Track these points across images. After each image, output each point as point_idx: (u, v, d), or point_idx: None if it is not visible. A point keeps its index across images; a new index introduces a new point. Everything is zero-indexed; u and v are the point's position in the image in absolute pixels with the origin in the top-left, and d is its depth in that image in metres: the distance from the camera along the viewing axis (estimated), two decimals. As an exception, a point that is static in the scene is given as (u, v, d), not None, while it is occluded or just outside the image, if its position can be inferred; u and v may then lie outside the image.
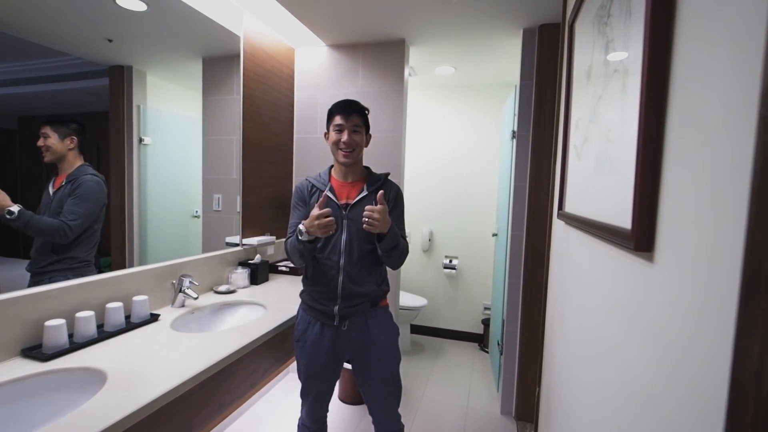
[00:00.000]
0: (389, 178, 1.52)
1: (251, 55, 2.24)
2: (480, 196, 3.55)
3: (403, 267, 2.16)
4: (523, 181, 2.34)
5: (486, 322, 3.44)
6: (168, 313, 1.56)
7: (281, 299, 1.85)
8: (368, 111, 1.45)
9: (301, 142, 2.73)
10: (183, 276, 1.63)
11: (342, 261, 1.37)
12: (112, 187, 1.52)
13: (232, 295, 1.87)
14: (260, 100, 2.35)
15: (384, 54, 2.51)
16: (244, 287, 2.01)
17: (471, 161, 3.56)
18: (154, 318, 1.48)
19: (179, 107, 1.89)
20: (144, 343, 1.28)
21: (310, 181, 1.46)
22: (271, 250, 2.40)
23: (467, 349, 3.46)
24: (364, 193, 1.41)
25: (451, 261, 3.59)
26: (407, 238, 1.51)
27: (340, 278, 1.37)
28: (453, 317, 3.65)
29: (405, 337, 3.26)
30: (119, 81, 1.54)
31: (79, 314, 1.23)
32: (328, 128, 1.43)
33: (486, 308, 3.54)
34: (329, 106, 1.44)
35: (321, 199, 1.30)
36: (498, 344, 2.66)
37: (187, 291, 1.61)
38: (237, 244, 2.16)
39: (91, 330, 1.25)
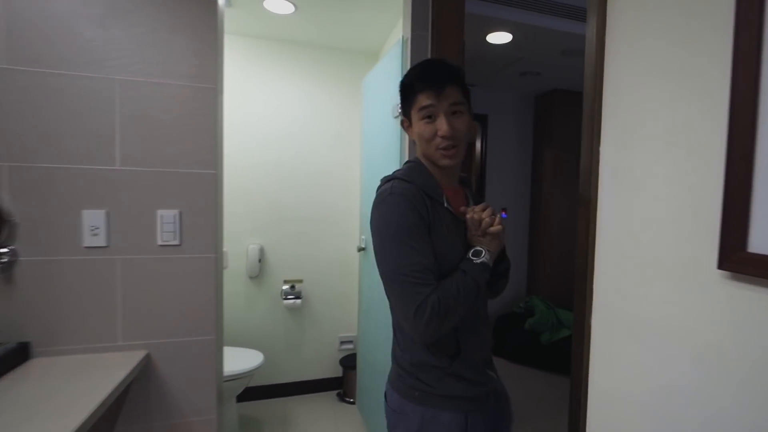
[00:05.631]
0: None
1: None
2: (334, 197, 2.62)
3: (224, 304, 1.24)
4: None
5: (346, 362, 2.57)
6: None
7: None
8: (469, 85, 0.89)
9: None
10: None
11: (479, 303, 0.91)
12: None
13: None
14: None
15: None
16: None
17: (318, 150, 2.55)
18: None
19: None
20: None
21: (419, 187, 0.85)
22: None
23: (323, 403, 2.53)
24: (470, 201, 0.99)
25: (293, 287, 2.55)
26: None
27: (484, 328, 0.93)
28: (299, 364, 2.63)
29: (230, 416, 2.10)
30: None
31: None
32: (407, 112, 0.91)
33: (344, 342, 2.67)
34: None
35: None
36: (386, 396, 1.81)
37: None
38: None
39: None
